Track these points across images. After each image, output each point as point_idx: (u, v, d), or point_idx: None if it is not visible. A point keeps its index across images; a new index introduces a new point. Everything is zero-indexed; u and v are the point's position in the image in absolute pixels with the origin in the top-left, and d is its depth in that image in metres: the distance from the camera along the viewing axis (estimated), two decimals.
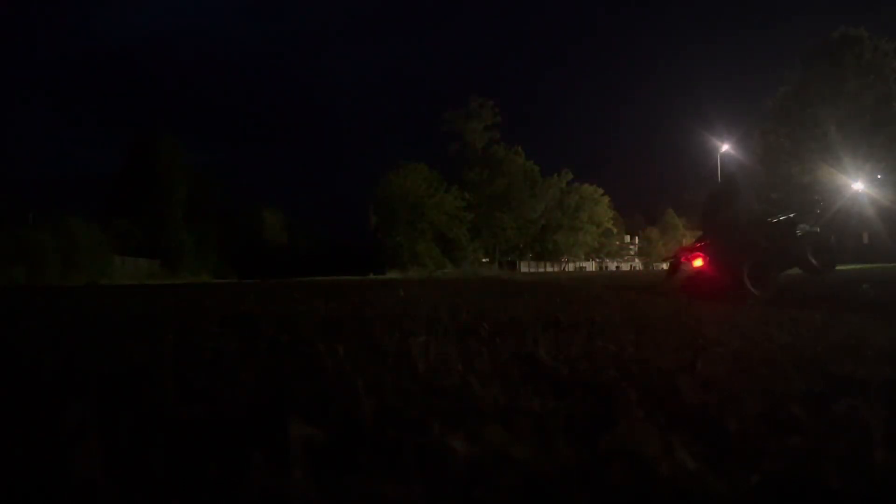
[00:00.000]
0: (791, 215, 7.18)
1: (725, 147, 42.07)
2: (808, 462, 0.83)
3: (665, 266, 8.09)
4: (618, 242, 77.17)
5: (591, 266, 70.88)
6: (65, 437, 0.91)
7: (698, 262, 6.56)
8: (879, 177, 36.30)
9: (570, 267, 65.37)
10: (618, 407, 1.10)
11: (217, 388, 1.30)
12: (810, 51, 40.81)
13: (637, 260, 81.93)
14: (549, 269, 60.65)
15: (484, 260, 56.43)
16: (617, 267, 75.09)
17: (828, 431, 0.97)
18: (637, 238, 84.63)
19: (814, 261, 6.67)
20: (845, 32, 39.27)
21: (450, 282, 13.15)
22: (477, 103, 57.78)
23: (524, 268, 58.62)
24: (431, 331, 2.30)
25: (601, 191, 64.92)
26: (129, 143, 41.56)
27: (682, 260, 6.88)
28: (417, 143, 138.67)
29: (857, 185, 36.29)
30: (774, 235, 6.66)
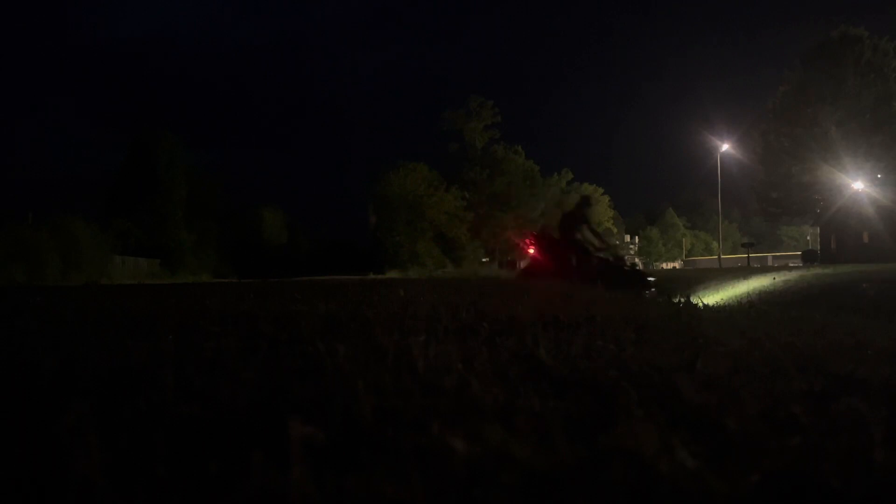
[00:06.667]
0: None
1: (725, 147, 42.12)
2: (808, 461, 0.83)
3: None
4: (618, 242, 77.30)
5: None
6: (64, 436, 0.91)
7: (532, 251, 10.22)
8: (879, 176, 36.30)
9: None
10: (618, 406, 1.10)
11: (217, 387, 1.30)
12: (810, 50, 40.83)
13: (637, 259, 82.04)
14: None
15: (484, 259, 56.44)
16: None
17: (828, 431, 0.97)
18: (637, 238, 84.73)
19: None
20: (845, 32, 39.30)
21: (450, 281, 13.15)
22: (477, 103, 57.81)
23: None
24: (431, 331, 2.30)
25: (601, 190, 65.04)
26: (128, 142, 41.56)
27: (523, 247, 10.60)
28: (417, 142, 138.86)
29: (857, 185, 36.28)
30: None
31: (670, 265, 77.38)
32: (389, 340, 1.98)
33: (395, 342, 1.93)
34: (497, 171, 57.37)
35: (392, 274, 36.96)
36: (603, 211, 65.73)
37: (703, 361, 1.58)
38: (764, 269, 22.01)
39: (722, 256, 51.04)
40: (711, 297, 8.67)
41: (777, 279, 12.06)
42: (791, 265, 37.60)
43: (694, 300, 4.43)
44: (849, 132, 36.91)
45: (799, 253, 47.45)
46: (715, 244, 66.52)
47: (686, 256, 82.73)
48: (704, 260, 74.41)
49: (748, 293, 10.28)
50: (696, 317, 3.04)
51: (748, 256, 40.30)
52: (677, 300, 4.55)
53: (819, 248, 41.28)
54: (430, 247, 49.79)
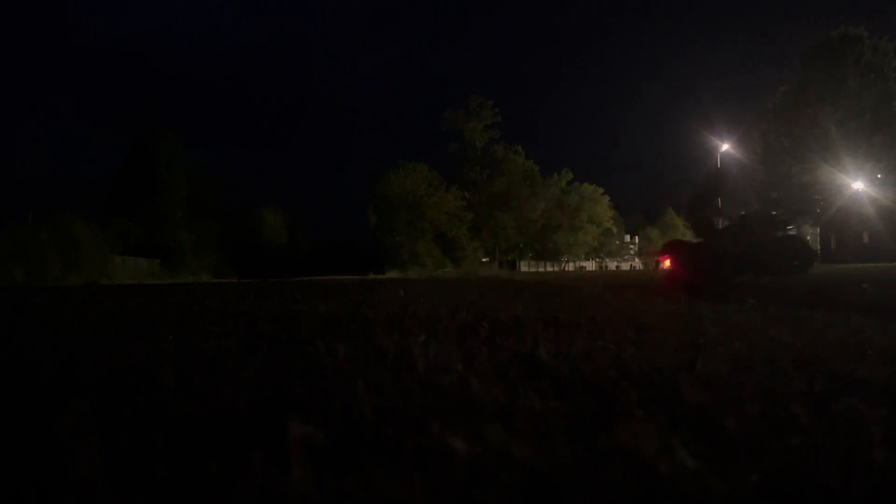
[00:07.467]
0: (776, 214, 7.99)
1: (725, 147, 42.09)
2: (809, 461, 0.83)
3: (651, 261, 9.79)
4: (618, 242, 77.26)
5: (591, 265, 70.88)
6: (64, 436, 0.91)
7: (667, 263, 7.82)
8: (879, 176, 36.29)
9: (571, 266, 65.37)
10: (618, 406, 1.10)
11: (217, 387, 1.30)
12: (810, 51, 40.79)
13: (637, 259, 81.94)
14: (549, 268, 60.67)
15: (484, 259, 56.45)
16: (617, 266, 75.10)
17: (828, 431, 0.97)
18: (637, 238, 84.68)
19: (787, 264, 7.19)
20: (845, 32, 39.26)
21: (450, 281, 13.17)
22: (477, 103, 57.81)
23: (524, 267, 58.67)
24: (431, 331, 2.30)
25: (601, 190, 65.01)
26: (128, 142, 41.58)
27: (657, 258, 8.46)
28: (417, 142, 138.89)
29: (857, 185, 36.27)
30: (746, 239, 7.30)
31: None
32: (389, 340, 1.98)
33: (395, 342, 1.93)
34: (497, 171, 57.40)
35: (392, 274, 36.96)
36: (603, 210, 65.70)
37: (703, 361, 1.58)
38: None
39: None
40: None
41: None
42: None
43: None
44: (849, 132, 36.89)
45: None
46: None
47: None
48: None
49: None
50: (697, 317, 3.04)
51: None
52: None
53: (819, 247, 41.28)
54: (430, 247, 49.76)
